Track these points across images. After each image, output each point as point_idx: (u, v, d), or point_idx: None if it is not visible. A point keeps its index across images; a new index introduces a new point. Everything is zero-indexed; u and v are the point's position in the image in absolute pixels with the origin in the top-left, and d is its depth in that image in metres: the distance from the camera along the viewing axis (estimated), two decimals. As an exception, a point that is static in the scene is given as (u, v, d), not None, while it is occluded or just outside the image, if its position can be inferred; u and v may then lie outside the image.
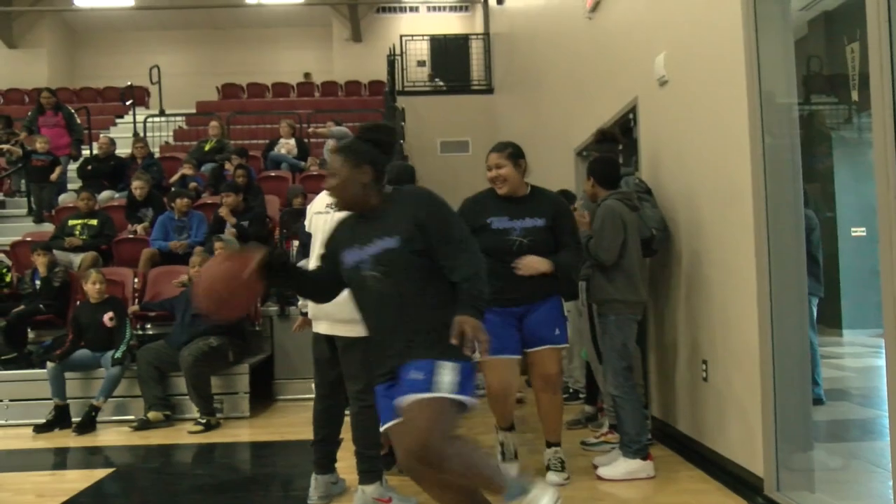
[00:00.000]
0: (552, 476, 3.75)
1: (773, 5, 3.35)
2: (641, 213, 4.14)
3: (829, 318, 7.95)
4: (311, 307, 3.53)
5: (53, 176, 9.13)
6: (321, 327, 3.49)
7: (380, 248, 2.52)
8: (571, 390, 5.97)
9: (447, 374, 2.43)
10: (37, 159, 9.10)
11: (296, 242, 7.36)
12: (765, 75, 3.33)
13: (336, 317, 3.38)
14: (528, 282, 3.62)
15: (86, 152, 10.38)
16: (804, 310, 3.38)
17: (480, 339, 2.38)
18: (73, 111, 10.19)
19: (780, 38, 3.34)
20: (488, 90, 14.20)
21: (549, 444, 3.87)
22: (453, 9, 18.08)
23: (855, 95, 7.35)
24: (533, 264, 3.61)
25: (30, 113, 10.13)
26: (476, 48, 15.01)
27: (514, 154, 3.70)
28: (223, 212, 7.32)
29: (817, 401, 4.57)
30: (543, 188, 3.86)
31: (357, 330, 3.35)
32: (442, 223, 2.54)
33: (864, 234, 8.14)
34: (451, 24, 17.42)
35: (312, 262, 3.55)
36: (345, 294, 3.33)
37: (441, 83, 14.85)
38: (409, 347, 2.49)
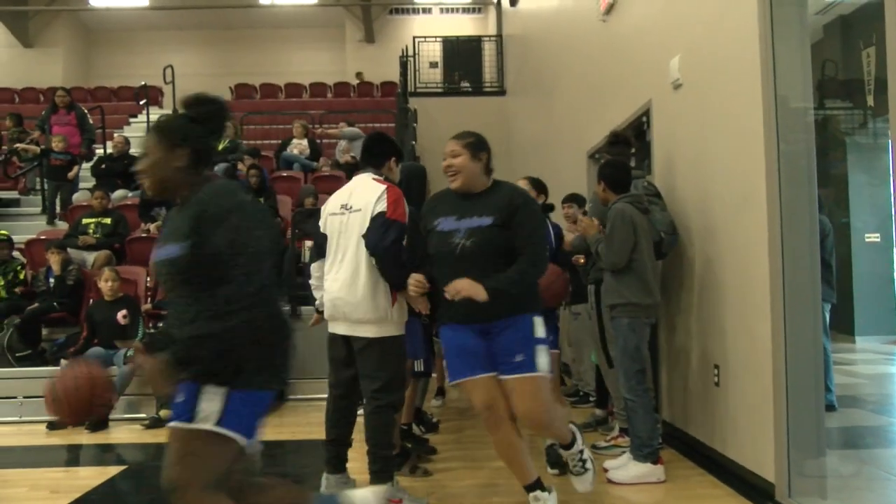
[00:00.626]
0: (575, 482, 3.44)
1: (789, 9, 3.34)
2: (651, 216, 4.13)
3: (842, 324, 7.90)
4: (327, 308, 3.54)
5: (71, 174, 9.19)
6: (338, 328, 3.50)
7: (164, 254, 2.19)
8: (582, 393, 5.97)
9: (209, 401, 2.10)
10: (55, 158, 9.15)
11: (308, 243, 7.39)
12: (780, 79, 3.32)
13: (353, 317, 3.40)
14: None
15: (99, 151, 10.45)
16: (818, 316, 3.37)
17: (153, 388, 2.16)
18: (85, 111, 10.21)
19: (796, 42, 3.33)
20: (500, 92, 14.20)
21: (562, 447, 3.54)
22: (466, 10, 18.09)
23: (870, 100, 7.32)
24: (461, 288, 2.95)
25: (44, 112, 10.20)
26: (489, 50, 15.02)
27: (475, 145, 3.15)
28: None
29: (829, 407, 4.55)
30: (507, 182, 3.27)
31: (374, 330, 3.38)
32: (227, 229, 2.10)
33: (879, 240, 8.09)
34: (463, 25, 17.45)
35: (328, 264, 3.57)
36: (361, 293, 3.36)
37: (467, 85, 14.84)
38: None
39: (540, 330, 3.10)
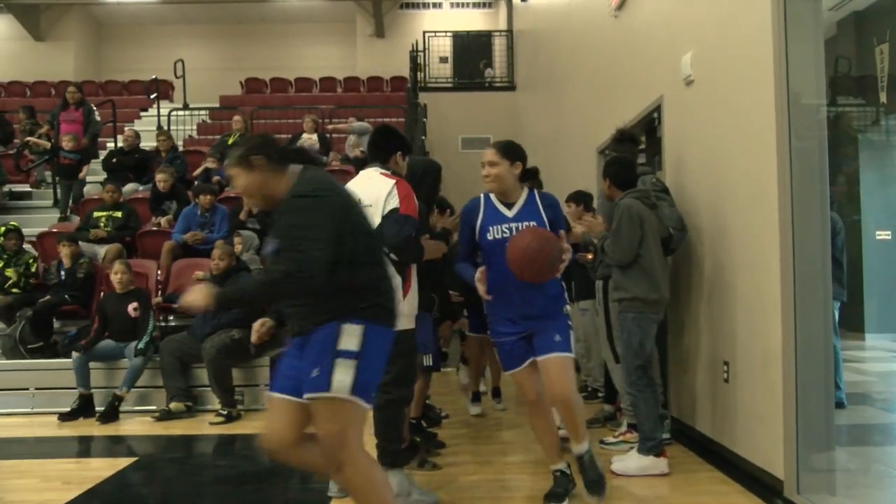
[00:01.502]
0: None
1: (803, 5, 3.32)
2: (659, 212, 4.13)
3: (852, 322, 7.87)
4: None
5: (82, 174, 9.10)
6: None
7: None
8: (590, 389, 5.97)
9: None
10: (64, 157, 9.05)
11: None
12: (793, 76, 3.31)
13: None
14: (297, 307, 2.57)
15: (110, 145, 10.50)
16: (828, 313, 3.36)
17: None
18: (93, 108, 10.01)
19: (810, 39, 3.31)
20: (510, 87, 14.19)
21: None
22: (476, 5, 18.07)
23: (883, 97, 7.27)
24: (187, 300, 2.51)
25: (54, 108, 10.16)
26: (499, 45, 15.00)
27: (245, 153, 2.56)
28: (248, 205, 7.35)
29: (838, 404, 4.53)
30: (301, 183, 2.58)
31: None
32: None
33: (889, 237, 8.05)
34: (474, 20, 17.44)
35: None
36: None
37: (493, 73, 14.65)
38: None
39: (348, 341, 2.45)
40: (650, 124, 5.34)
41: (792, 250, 3.28)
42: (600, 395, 5.68)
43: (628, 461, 3.88)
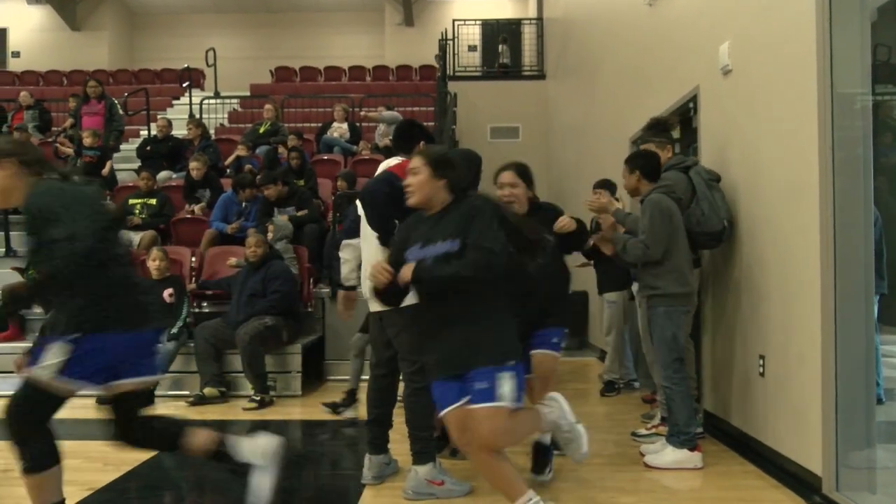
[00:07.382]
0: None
1: (848, -7, 3.25)
2: (713, 203, 4.10)
3: (889, 317, 7.72)
4: (365, 289, 3.58)
5: (105, 171, 8.96)
6: (374, 306, 3.54)
7: None
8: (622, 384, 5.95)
9: None
10: (85, 154, 8.90)
11: (348, 225, 7.43)
12: (837, 66, 3.24)
13: None
14: None
15: (143, 133, 10.64)
16: (870, 308, 3.31)
17: None
18: (115, 102, 9.96)
19: (854, 26, 3.25)
20: (540, 76, 14.08)
21: None
22: (506, -7, 17.93)
23: (925, 86, 7.10)
24: None
25: (76, 102, 10.18)
26: (528, 33, 14.88)
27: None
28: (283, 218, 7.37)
29: (876, 400, 4.47)
30: None
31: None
32: None
33: (929, 230, 7.87)
34: (503, 8, 17.29)
35: (364, 249, 3.66)
36: None
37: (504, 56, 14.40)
38: None
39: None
40: (685, 115, 5.27)
41: (833, 243, 3.23)
42: (636, 386, 5.66)
43: (661, 455, 3.86)
